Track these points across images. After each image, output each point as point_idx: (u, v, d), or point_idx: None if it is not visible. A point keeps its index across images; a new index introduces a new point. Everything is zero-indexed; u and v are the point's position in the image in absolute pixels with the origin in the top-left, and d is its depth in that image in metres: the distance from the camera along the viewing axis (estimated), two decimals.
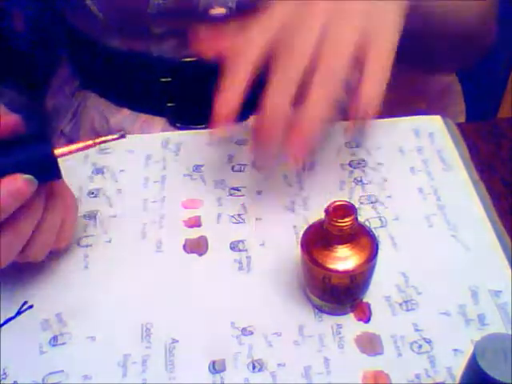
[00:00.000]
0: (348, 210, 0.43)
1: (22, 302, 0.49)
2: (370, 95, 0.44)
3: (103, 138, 0.47)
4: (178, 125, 0.65)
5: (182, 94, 0.64)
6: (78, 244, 0.52)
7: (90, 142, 0.46)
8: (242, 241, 0.52)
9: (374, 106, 0.44)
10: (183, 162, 0.59)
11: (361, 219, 0.51)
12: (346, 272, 0.43)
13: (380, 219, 0.53)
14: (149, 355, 0.45)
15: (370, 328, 0.46)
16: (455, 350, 0.44)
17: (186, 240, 0.52)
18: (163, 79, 0.62)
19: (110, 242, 0.53)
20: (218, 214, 0.54)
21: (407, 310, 0.47)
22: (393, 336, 0.45)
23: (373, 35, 0.44)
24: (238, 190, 0.56)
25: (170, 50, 0.60)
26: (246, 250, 0.51)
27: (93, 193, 0.56)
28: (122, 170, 0.58)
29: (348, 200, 0.43)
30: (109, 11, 0.58)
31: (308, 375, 0.44)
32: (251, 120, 0.65)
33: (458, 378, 0.39)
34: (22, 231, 0.43)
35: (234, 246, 0.52)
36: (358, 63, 0.44)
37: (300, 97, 0.44)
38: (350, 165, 0.58)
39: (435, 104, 0.69)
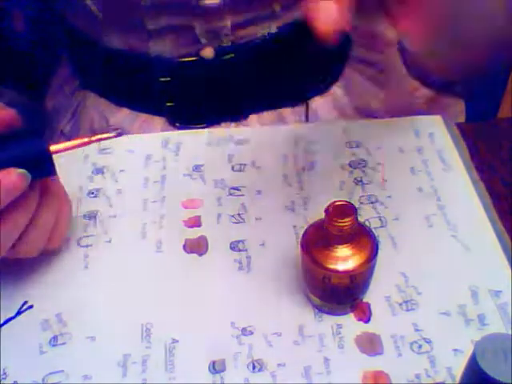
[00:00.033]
0: (348, 209, 0.43)
1: (22, 302, 0.49)
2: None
3: (99, 136, 0.47)
4: (178, 124, 0.65)
5: (181, 94, 0.64)
6: (78, 244, 0.52)
7: (86, 140, 0.46)
8: (242, 241, 0.52)
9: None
10: (183, 162, 0.59)
11: (361, 219, 0.51)
12: (346, 272, 0.43)
13: (380, 219, 0.53)
14: (149, 355, 0.45)
15: (369, 328, 0.46)
16: (455, 350, 0.44)
17: (186, 240, 0.52)
18: (162, 79, 0.62)
19: (109, 241, 0.53)
20: (218, 213, 0.54)
21: (407, 310, 0.47)
22: (393, 336, 0.45)
23: None
24: (237, 190, 0.56)
25: (169, 49, 0.60)
26: (246, 250, 0.51)
27: (93, 193, 0.56)
28: (122, 170, 0.58)
29: (348, 200, 0.43)
30: (105, 6, 0.58)
31: (308, 375, 0.44)
32: (251, 120, 0.65)
33: (457, 378, 0.39)
34: (14, 226, 0.43)
35: (234, 246, 0.52)
36: None
37: None
38: (350, 165, 0.58)
39: (435, 104, 0.69)
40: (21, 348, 0.46)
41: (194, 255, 0.51)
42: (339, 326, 0.46)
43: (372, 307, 0.47)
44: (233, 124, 0.65)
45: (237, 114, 0.65)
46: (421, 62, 0.56)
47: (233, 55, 0.60)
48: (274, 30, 0.60)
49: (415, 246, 0.51)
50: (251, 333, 0.46)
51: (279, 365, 0.44)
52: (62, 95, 0.73)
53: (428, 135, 0.60)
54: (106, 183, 0.57)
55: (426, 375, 0.43)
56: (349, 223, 0.42)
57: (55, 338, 0.46)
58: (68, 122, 0.72)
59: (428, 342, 0.45)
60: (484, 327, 0.46)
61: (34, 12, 0.73)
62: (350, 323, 0.46)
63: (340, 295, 0.46)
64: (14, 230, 0.44)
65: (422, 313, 0.47)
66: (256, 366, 0.44)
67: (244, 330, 0.46)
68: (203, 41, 0.59)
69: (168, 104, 0.64)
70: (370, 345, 0.45)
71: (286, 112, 0.66)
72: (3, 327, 0.47)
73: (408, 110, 0.64)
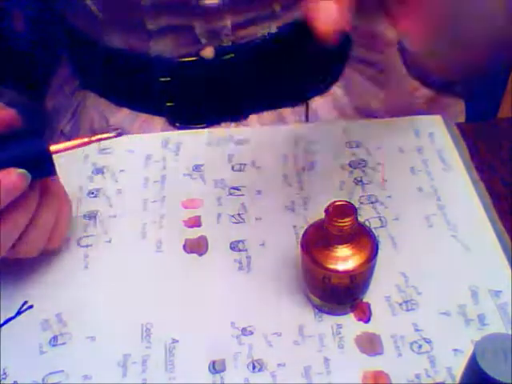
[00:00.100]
0: (348, 209, 0.43)
1: (22, 302, 0.49)
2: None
3: (99, 136, 0.47)
4: (178, 124, 0.65)
5: (181, 94, 0.64)
6: (78, 244, 0.52)
7: (86, 140, 0.46)
8: (242, 241, 0.52)
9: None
10: (183, 162, 0.59)
11: (361, 219, 0.51)
12: (346, 272, 0.43)
13: (380, 219, 0.53)
14: (149, 355, 0.45)
15: (370, 328, 0.46)
16: (455, 350, 0.44)
17: (186, 240, 0.52)
18: (163, 79, 0.62)
19: (109, 241, 0.53)
20: (218, 213, 0.54)
21: (407, 310, 0.47)
22: (393, 336, 0.45)
23: None
24: (237, 190, 0.56)
25: (169, 49, 0.60)
26: (246, 250, 0.51)
27: (93, 193, 0.56)
28: (122, 170, 0.58)
29: (348, 200, 0.43)
30: (105, 6, 0.58)
31: (308, 375, 0.44)
32: (251, 120, 0.65)
33: (457, 378, 0.39)
34: (14, 226, 0.44)
35: (234, 246, 0.52)
36: None
37: None
38: (350, 165, 0.58)
39: (435, 104, 0.69)
40: (21, 348, 0.46)
41: (194, 255, 0.51)
42: (339, 326, 0.46)
43: (372, 307, 0.47)
44: (233, 124, 0.65)
45: (237, 114, 0.65)
46: (421, 62, 0.56)
47: (233, 55, 0.60)
48: (274, 30, 0.60)
49: (415, 246, 0.51)
50: (251, 333, 0.46)
51: (279, 365, 0.44)
52: (62, 95, 0.73)
53: (428, 135, 0.60)
54: (106, 183, 0.57)
55: (426, 375, 0.43)
56: (349, 223, 0.42)
57: (55, 338, 0.46)
58: (68, 122, 0.72)
59: (428, 342, 0.45)
60: (484, 327, 0.46)
61: (34, 12, 0.73)
62: (350, 323, 0.46)
63: (340, 295, 0.46)
64: (14, 230, 0.44)
65: (422, 313, 0.47)
66: (256, 365, 0.44)
67: (244, 329, 0.46)
68: (203, 41, 0.59)
69: (168, 104, 0.64)
70: (370, 345, 0.45)
71: (286, 112, 0.66)
72: (3, 327, 0.47)
73: (408, 109, 0.64)
